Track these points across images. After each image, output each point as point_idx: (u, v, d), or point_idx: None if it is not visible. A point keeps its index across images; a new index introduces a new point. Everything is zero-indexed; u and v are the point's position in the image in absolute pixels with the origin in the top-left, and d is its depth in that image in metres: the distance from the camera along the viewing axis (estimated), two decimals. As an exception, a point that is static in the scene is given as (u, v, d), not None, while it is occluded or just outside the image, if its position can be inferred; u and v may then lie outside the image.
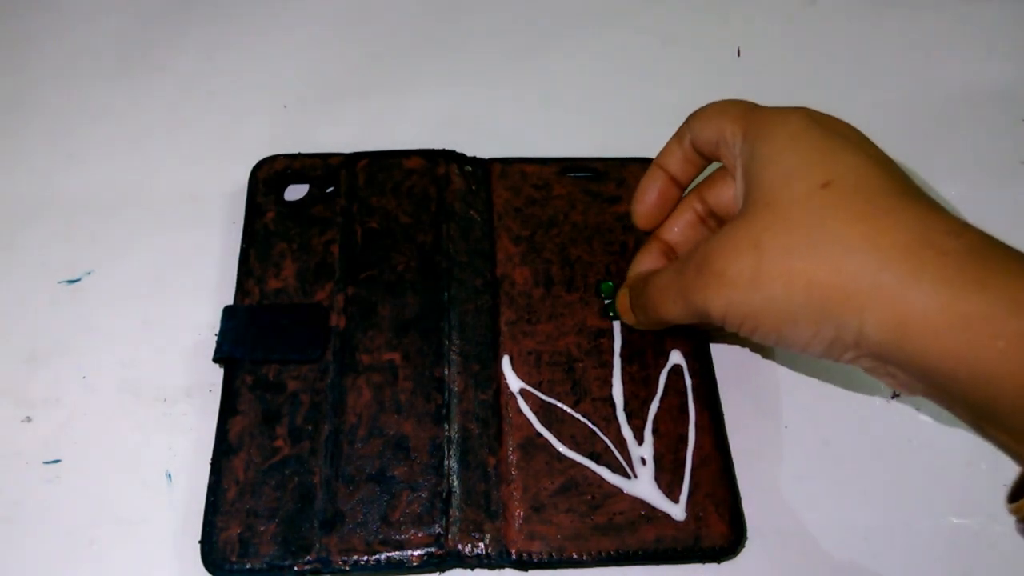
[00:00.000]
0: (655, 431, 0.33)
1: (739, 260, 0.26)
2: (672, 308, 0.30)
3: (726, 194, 0.32)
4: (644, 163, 0.41)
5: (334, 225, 0.38)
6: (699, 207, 0.33)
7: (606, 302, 0.36)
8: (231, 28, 0.48)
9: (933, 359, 0.24)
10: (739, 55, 0.47)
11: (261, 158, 0.40)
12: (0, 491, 0.33)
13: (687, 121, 0.32)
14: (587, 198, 0.40)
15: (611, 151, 0.41)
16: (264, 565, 0.30)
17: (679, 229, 0.34)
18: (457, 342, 0.35)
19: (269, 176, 0.40)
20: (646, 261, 0.34)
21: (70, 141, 0.43)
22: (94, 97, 0.45)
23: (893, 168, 0.27)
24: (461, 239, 0.38)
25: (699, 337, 0.36)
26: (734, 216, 0.28)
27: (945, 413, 0.27)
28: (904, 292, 0.24)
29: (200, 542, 0.31)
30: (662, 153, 0.33)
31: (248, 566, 0.30)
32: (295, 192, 0.40)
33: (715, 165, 0.33)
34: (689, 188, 0.34)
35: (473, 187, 0.40)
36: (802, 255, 0.25)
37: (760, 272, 0.26)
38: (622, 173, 0.40)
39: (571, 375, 0.35)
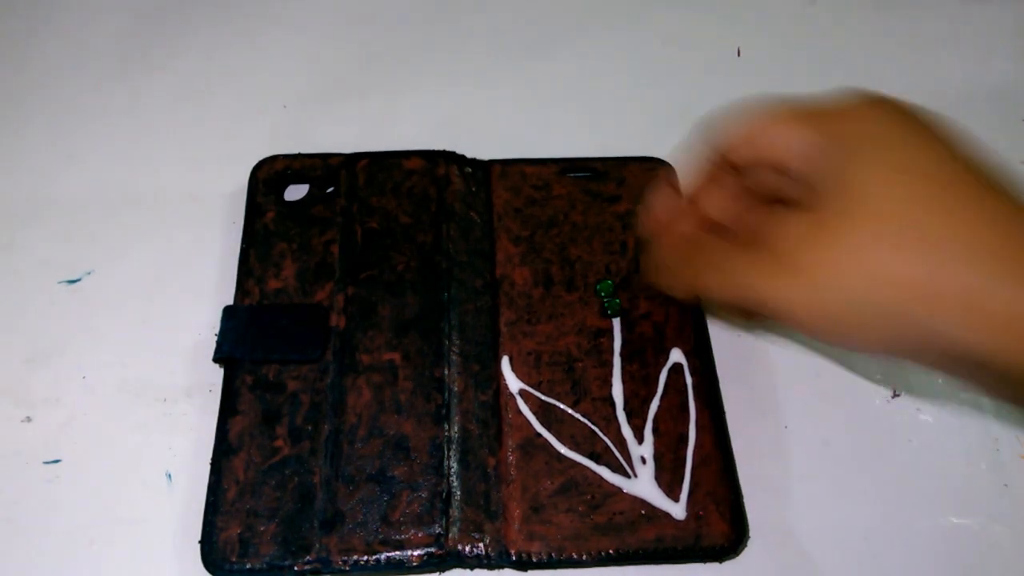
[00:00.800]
0: (655, 430, 0.33)
1: (817, 250, 0.25)
2: (718, 287, 0.29)
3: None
4: (644, 163, 0.41)
5: (334, 225, 0.38)
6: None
7: (604, 299, 0.36)
8: (231, 28, 0.48)
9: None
10: (739, 55, 0.47)
11: (261, 158, 0.40)
12: (0, 491, 0.33)
13: (722, 153, 0.31)
14: (587, 198, 0.40)
15: (611, 151, 0.41)
16: (264, 565, 0.30)
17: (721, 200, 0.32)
18: (457, 342, 0.35)
19: (269, 176, 0.40)
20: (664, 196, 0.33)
21: (70, 141, 0.43)
22: (94, 97, 0.45)
23: (974, 160, 0.26)
24: (461, 239, 0.38)
25: (702, 329, 0.36)
26: (808, 208, 0.27)
27: (946, 412, 0.27)
28: (995, 293, 0.23)
29: (200, 542, 0.31)
30: (695, 190, 0.32)
31: (248, 566, 0.30)
32: (295, 192, 0.40)
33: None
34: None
35: (473, 188, 0.40)
36: (888, 250, 0.24)
37: (842, 265, 0.25)
38: (622, 173, 0.40)
39: (571, 375, 0.35)
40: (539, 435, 0.33)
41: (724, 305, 0.29)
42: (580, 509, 0.32)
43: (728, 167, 0.31)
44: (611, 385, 0.35)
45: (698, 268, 0.30)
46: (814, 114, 0.28)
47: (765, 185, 0.30)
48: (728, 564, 0.32)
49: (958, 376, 0.26)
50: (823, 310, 0.25)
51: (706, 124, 0.31)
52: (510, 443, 0.33)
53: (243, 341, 0.35)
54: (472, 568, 0.32)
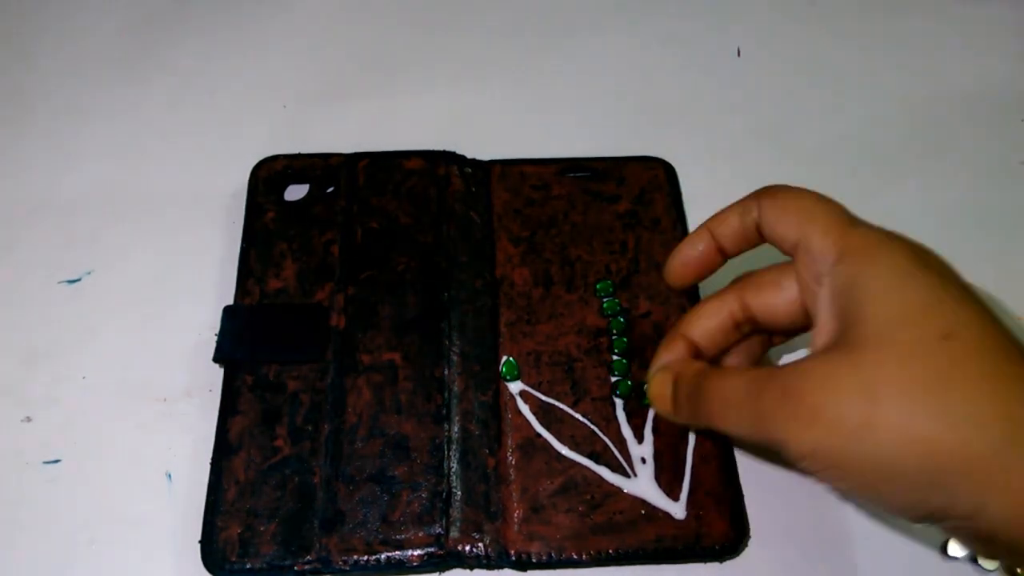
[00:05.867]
0: (655, 429, 0.33)
1: (846, 402, 0.23)
2: (736, 427, 0.27)
3: (776, 302, 0.29)
4: (644, 163, 0.41)
5: (334, 225, 0.38)
6: (737, 312, 0.30)
7: (604, 299, 0.36)
8: (231, 28, 0.48)
9: None
10: (739, 55, 0.47)
11: (261, 158, 0.40)
12: (0, 491, 0.33)
13: (759, 199, 0.29)
14: (587, 198, 0.40)
15: (611, 151, 0.41)
16: (264, 565, 0.30)
17: (709, 333, 0.31)
18: (457, 342, 0.35)
19: (269, 176, 0.40)
20: (667, 357, 0.31)
21: (70, 141, 0.43)
22: (94, 97, 0.45)
23: (1004, 324, 0.24)
24: (461, 240, 0.38)
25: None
26: (826, 344, 0.26)
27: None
28: None
29: (200, 542, 0.31)
30: (716, 218, 0.30)
31: (248, 566, 0.30)
32: (295, 192, 0.40)
33: (759, 254, 0.31)
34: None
35: (473, 189, 0.40)
36: (924, 416, 0.22)
37: (872, 423, 0.23)
38: (622, 173, 0.40)
39: (571, 375, 0.35)
40: (539, 435, 0.33)
41: (742, 443, 0.28)
42: (580, 509, 0.32)
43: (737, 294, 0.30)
44: (611, 384, 0.35)
45: (712, 404, 0.27)
46: (833, 223, 0.27)
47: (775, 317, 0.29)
48: (728, 564, 0.32)
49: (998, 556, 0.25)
50: (847, 463, 0.24)
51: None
52: (510, 443, 0.33)
53: (243, 341, 0.35)
54: (472, 568, 0.32)
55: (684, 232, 0.39)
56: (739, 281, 0.31)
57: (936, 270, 0.25)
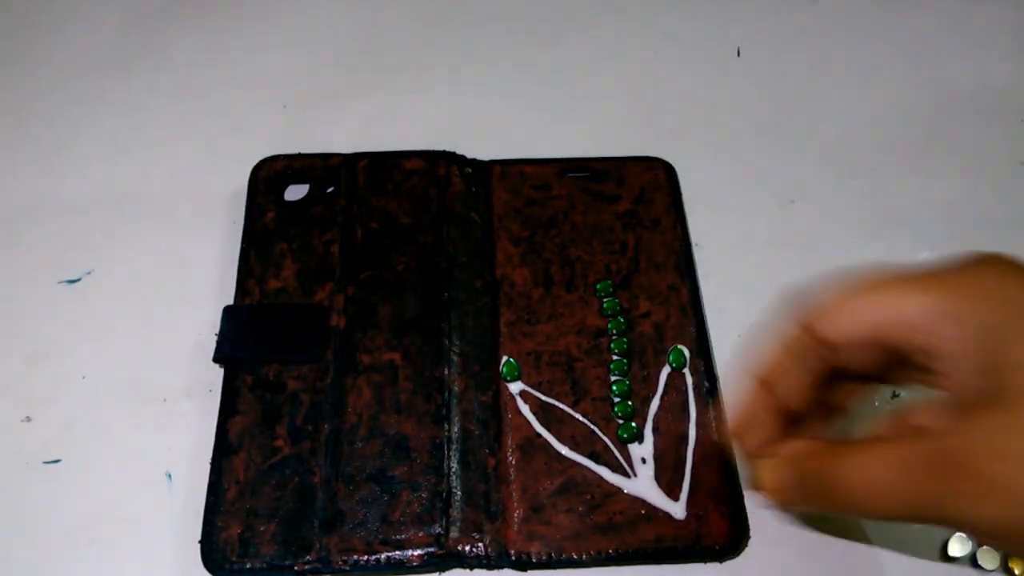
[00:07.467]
0: (655, 429, 0.33)
1: (1018, 467, 0.21)
2: (888, 510, 0.24)
3: (852, 325, 0.25)
4: (644, 163, 0.41)
5: (334, 225, 0.38)
6: (817, 354, 0.26)
7: (604, 300, 0.36)
8: (231, 28, 0.48)
9: None
10: (739, 55, 0.47)
11: (261, 158, 0.40)
12: (0, 491, 0.33)
13: (809, 327, 0.26)
14: (587, 198, 0.40)
15: (611, 151, 0.41)
16: (264, 565, 0.30)
17: (797, 389, 0.27)
18: (457, 343, 0.35)
19: (269, 176, 0.40)
20: (759, 423, 0.28)
21: (70, 141, 0.43)
22: (94, 97, 0.45)
23: None
24: (461, 240, 0.38)
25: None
26: (973, 403, 0.23)
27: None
28: None
29: (200, 542, 0.31)
30: (771, 369, 0.27)
31: (248, 566, 0.30)
32: (295, 192, 0.40)
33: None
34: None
35: (473, 189, 0.40)
36: None
37: None
38: (622, 173, 0.40)
39: (571, 375, 0.35)
40: (539, 435, 0.33)
41: (879, 518, 0.26)
42: (580, 509, 0.32)
43: (813, 346, 0.26)
44: (611, 385, 0.35)
45: (853, 489, 0.24)
46: (929, 278, 0.24)
47: (862, 365, 0.26)
48: (728, 564, 0.32)
49: None
50: None
51: (793, 296, 0.27)
52: (510, 443, 0.33)
53: (243, 341, 0.35)
54: (472, 568, 0.32)
55: (684, 232, 0.39)
56: (796, 312, 0.27)
57: None
